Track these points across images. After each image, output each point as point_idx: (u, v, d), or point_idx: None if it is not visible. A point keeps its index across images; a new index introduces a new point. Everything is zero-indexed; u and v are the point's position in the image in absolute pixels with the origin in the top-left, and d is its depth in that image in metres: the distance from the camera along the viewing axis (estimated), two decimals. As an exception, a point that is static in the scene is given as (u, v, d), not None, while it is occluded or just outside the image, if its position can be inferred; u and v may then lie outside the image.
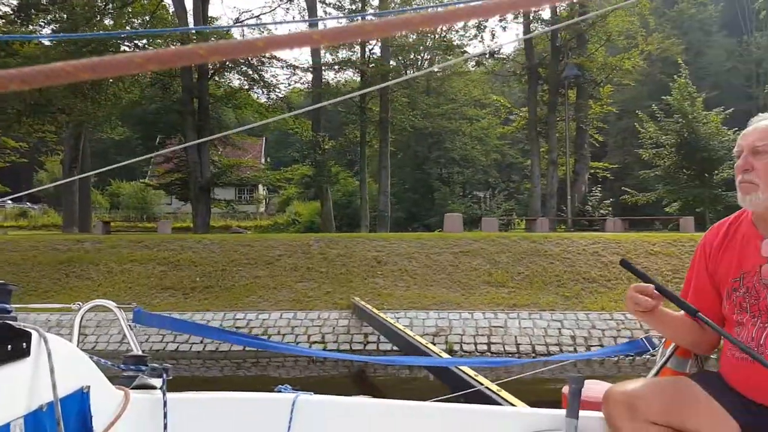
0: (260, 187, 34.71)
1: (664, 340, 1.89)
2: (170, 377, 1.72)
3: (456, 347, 8.05)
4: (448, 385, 4.22)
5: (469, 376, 3.90)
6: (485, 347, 8.09)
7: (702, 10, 36.76)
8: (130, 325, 2.06)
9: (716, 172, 18.42)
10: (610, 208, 17.89)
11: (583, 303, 9.05)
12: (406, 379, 7.52)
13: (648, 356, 2.02)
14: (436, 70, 22.25)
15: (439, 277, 9.94)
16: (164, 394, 1.68)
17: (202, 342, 8.60)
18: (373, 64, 19.76)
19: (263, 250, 11.26)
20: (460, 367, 4.21)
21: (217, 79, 21.14)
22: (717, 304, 1.75)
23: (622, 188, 20.10)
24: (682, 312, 1.76)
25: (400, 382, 7.46)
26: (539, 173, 18.50)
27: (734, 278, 1.69)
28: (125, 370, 1.76)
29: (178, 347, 8.63)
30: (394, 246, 11.12)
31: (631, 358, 7.49)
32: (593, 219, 18.01)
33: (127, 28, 19.86)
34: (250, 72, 20.85)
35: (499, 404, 2.98)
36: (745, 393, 1.61)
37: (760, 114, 1.69)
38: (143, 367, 1.76)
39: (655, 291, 1.61)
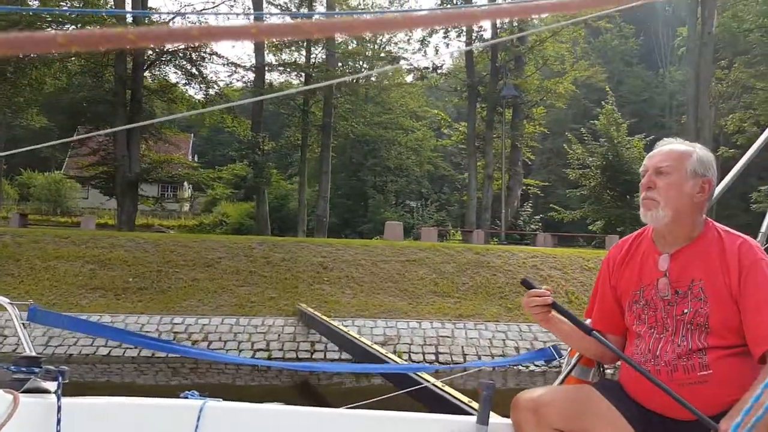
0: (185, 185, 33.47)
1: (570, 349, 1.96)
2: (66, 380, 1.62)
3: (405, 356, 8.08)
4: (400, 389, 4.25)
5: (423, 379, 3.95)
6: (433, 357, 8.18)
7: (624, 42, 39.37)
8: (23, 324, 1.97)
9: (637, 194, 19.66)
10: (540, 224, 18.69)
11: (525, 315, 9.36)
12: (355, 388, 7.47)
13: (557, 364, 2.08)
14: (374, 76, 22.31)
15: (386, 285, 9.97)
16: (59, 399, 1.58)
17: (107, 344, 8.13)
18: (317, 69, 19.62)
19: (202, 252, 10.84)
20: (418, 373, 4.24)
21: (153, 71, 20.24)
22: (620, 316, 1.84)
23: (550, 205, 21.07)
24: (588, 321, 1.89)
25: (350, 391, 7.39)
26: (476, 186, 19.01)
27: (635, 291, 1.78)
28: (16, 372, 1.63)
29: (81, 350, 8.11)
30: (339, 252, 11.04)
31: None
32: (525, 233, 18.72)
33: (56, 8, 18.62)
34: (189, 66, 20.12)
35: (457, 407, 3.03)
36: (642, 402, 1.70)
37: (665, 139, 1.84)
38: (36, 370, 1.64)
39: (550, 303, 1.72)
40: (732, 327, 1.63)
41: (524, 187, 20.66)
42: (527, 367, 8.12)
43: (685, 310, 1.67)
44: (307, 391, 7.65)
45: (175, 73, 21.03)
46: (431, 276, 10.23)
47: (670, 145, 1.77)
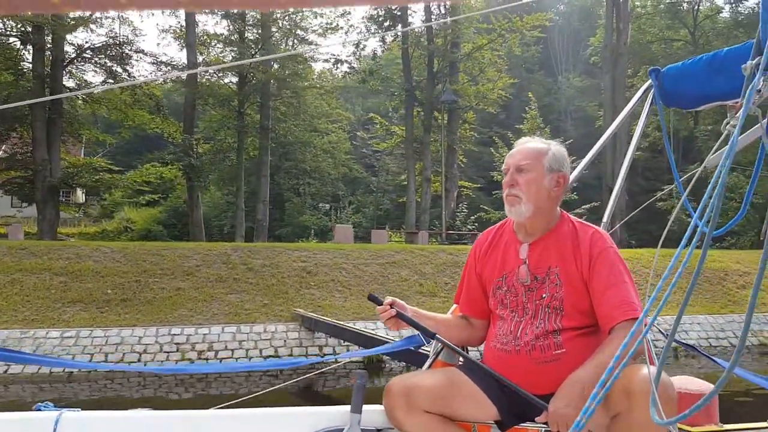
0: (78, 190, 31.17)
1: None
2: None
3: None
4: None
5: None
6: (437, 351, 8.73)
7: (526, 50, 42.28)
8: None
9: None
10: (476, 224, 19.87)
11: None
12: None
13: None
14: (299, 54, 22.04)
15: (373, 287, 10.36)
16: None
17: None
18: (253, 67, 19.37)
19: (177, 260, 10.59)
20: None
21: (73, 69, 18.94)
22: (486, 301, 1.99)
23: (480, 206, 22.40)
24: (450, 311, 2.13)
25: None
26: (414, 188, 19.80)
27: (498, 278, 1.93)
28: None
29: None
30: (318, 256, 11.25)
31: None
32: (462, 233, 19.80)
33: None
34: (111, 64, 19.03)
35: None
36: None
37: (523, 138, 2.00)
38: None
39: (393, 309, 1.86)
40: (583, 309, 1.78)
41: (459, 189, 21.77)
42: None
43: (543, 295, 1.81)
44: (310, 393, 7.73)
45: (96, 71, 19.82)
46: (414, 277, 10.77)
47: (528, 143, 1.92)
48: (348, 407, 1.83)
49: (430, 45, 19.04)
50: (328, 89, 24.97)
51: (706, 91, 2.39)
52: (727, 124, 1.31)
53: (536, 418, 1.63)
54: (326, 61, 21.58)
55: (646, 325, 1.15)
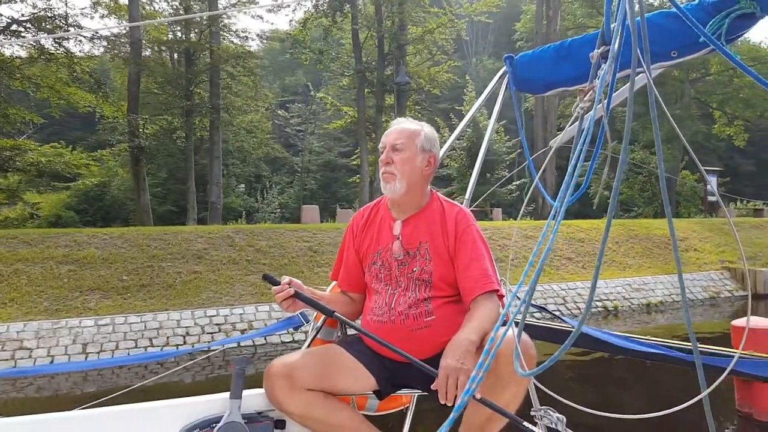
0: None
1: (315, 314, 2.12)
2: None
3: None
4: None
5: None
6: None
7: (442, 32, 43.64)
8: None
9: (497, 173, 23.03)
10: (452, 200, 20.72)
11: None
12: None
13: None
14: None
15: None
16: None
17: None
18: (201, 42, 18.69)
19: (182, 244, 10.44)
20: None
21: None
22: (362, 276, 2.08)
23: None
24: (329, 288, 2.22)
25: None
26: (367, 168, 20.33)
27: (373, 253, 2.01)
28: None
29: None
30: (320, 236, 11.53)
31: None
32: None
33: None
34: (43, 41, 17.53)
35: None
36: (379, 351, 1.93)
37: (398, 118, 2.06)
38: None
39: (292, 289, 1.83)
40: (449, 281, 1.91)
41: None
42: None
43: (414, 268, 1.91)
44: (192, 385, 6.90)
45: (24, 45, 18.10)
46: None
47: (403, 123, 2.01)
48: (227, 394, 1.80)
49: (380, 26, 19.43)
50: (267, 67, 24.50)
51: (553, 77, 2.53)
52: (577, 106, 1.53)
53: (431, 386, 1.63)
54: (270, 38, 21.11)
55: (519, 297, 1.25)
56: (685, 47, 2.07)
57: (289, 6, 18.14)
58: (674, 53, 2.10)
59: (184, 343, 8.03)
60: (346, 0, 18.14)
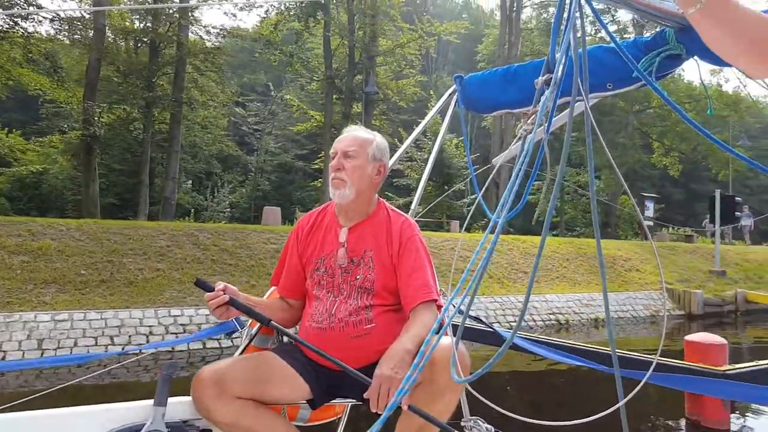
0: None
1: (250, 321, 2.04)
2: None
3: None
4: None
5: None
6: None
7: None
8: None
9: (455, 183, 23.57)
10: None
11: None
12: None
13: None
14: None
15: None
16: None
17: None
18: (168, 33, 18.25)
19: (144, 240, 10.17)
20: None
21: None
22: (304, 282, 2.04)
23: (385, 192, 23.63)
24: (268, 294, 2.15)
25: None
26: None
27: (317, 259, 1.98)
28: None
29: None
30: (284, 238, 11.41)
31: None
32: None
33: None
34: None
35: None
36: (315, 359, 1.88)
37: (351, 126, 2.07)
38: None
39: (226, 295, 1.77)
40: (391, 289, 1.91)
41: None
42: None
43: (358, 276, 1.91)
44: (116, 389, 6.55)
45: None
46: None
47: (356, 131, 2.02)
48: (152, 401, 1.73)
49: (351, 36, 19.60)
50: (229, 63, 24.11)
51: (500, 99, 2.62)
52: (520, 128, 1.61)
53: (364, 395, 1.63)
54: (238, 35, 20.85)
55: (454, 306, 1.28)
56: (620, 80, 2.25)
57: (262, 6, 18.01)
58: (610, 85, 2.28)
59: (147, 342, 7.84)
60: (319, 7, 18.20)
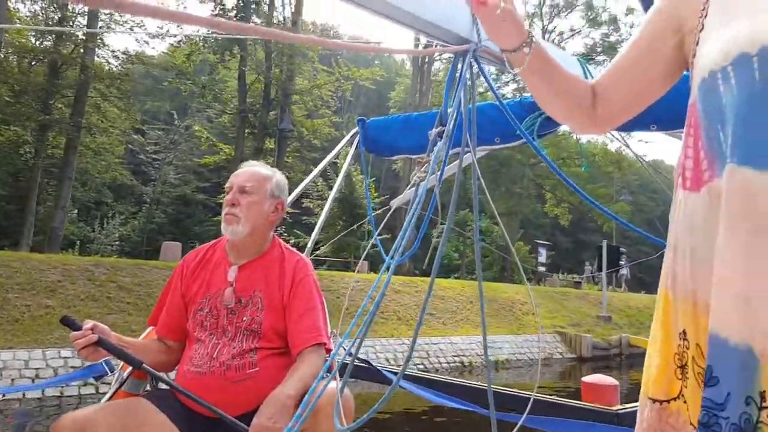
0: None
1: (122, 364, 1.90)
2: None
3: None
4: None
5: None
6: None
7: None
8: None
9: (364, 224, 23.79)
10: (294, 247, 20.62)
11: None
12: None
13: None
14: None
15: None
16: None
17: None
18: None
19: (32, 274, 9.33)
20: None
21: None
22: (186, 322, 1.92)
23: (294, 230, 23.32)
24: (144, 335, 2.02)
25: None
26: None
27: (201, 299, 1.89)
28: None
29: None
30: (191, 276, 10.97)
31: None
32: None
33: None
34: None
35: None
36: (192, 406, 1.77)
37: (250, 161, 2.03)
38: None
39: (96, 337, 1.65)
40: (279, 332, 1.84)
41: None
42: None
43: (245, 318, 1.82)
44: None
45: None
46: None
47: (255, 167, 1.96)
48: None
49: (268, 73, 19.64)
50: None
51: (399, 144, 2.74)
52: (414, 175, 1.69)
53: None
54: (145, 62, 20.18)
55: (344, 349, 1.23)
56: (506, 136, 2.46)
57: (175, 36, 17.60)
58: (498, 139, 2.49)
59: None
60: (236, 42, 18.12)
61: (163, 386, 1.84)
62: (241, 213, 1.85)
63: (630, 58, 1.12)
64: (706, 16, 0.99)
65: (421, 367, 11.10)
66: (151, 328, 2.05)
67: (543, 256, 29.77)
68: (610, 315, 17.66)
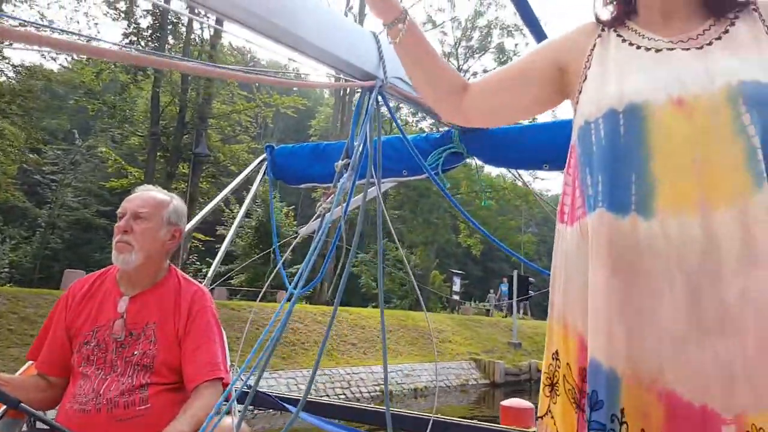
0: None
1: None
2: None
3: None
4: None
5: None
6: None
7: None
8: None
9: (282, 253, 23.37)
10: (204, 277, 19.87)
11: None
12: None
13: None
14: None
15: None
16: None
17: None
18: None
19: None
20: None
21: None
22: (70, 357, 1.80)
23: (206, 259, 22.45)
24: (22, 370, 1.91)
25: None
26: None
27: (87, 332, 1.78)
28: None
29: None
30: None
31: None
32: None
33: None
34: None
35: None
36: None
37: (145, 185, 1.95)
38: None
39: None
40: (173, 366, 1.76)
41: (192, 242, 21.53)
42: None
43: (136, 352, 1.73)
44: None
45: None
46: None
47: (151, 191, 1.88)
48: None
49: (184, 95, 19.10)
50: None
51: (307, 173, 2.72)
52: (320, 206, 1.67)
53: None
54: (47, 77, 18.97)
55: (241, 381, 1.20)
56: (412, 169, 2.54)
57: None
58: (405, 172, 2.58)
59: None
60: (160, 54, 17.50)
61: (42, 426, 1.71)
62: (134, 241, 1.76)
63: (508, 77, 1.24)
64: (589, 68, 1.10)
65: (343, 396, 10.99)
66: (30, 363, 1.90)
67: (457, 285, 30.60)
68: (520, 341, 18.41)
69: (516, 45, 30.20)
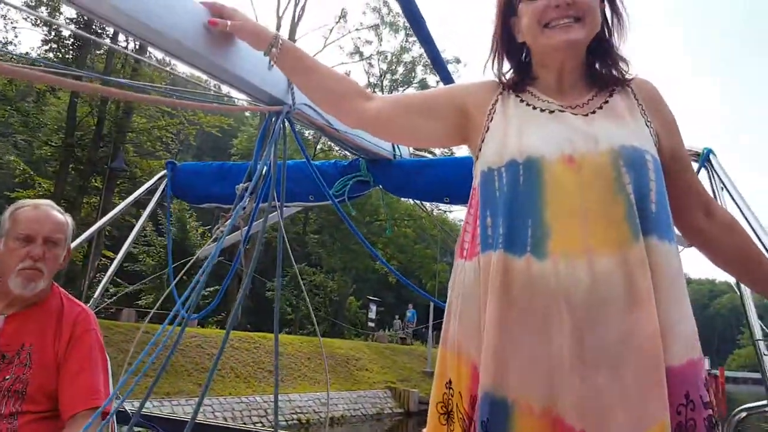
0: None
1: None
2: None
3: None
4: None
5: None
6: None
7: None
8: None
9: (194, 272, 22.65)
10: (114, 297, 18.88)
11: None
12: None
13: None
14: None
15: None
16: None
17: None
18: None
19: None
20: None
21: None
22: None
23: (115, 278, 21.31)
24: None
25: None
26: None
27: None
28: None
29: None
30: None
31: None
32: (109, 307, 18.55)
33: None
34: None
35: None
36: None
37: (45, 200, 1.81)
38: None
39: None
40: (49, 393, 1.64)
41: (101, 259, 20.39)
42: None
43: (7, 377, 1.61)
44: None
45: None
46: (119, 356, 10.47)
47: (52, 210, 1.75)
48: None
49: (103, 107, 18.40)
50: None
51: (209, 192, 2.64)
52: (217, 229, 1.67)
53: None
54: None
55: (108, 412, 1.17)
56: (318, 195, 2.52)
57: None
58: (311, 197, 2.57)
59: None
60: (69, 71, 16.68)
61: None
62: (45, 268, 1.66)
63: (414, 104, 1.35)
64: (491, 120, 1.22)
65: (259, 425, 10.89)
66: None
67: (373, 311, 30.88)
68: (434, 370, 18.88)
69: (437, 82, 31.60)
